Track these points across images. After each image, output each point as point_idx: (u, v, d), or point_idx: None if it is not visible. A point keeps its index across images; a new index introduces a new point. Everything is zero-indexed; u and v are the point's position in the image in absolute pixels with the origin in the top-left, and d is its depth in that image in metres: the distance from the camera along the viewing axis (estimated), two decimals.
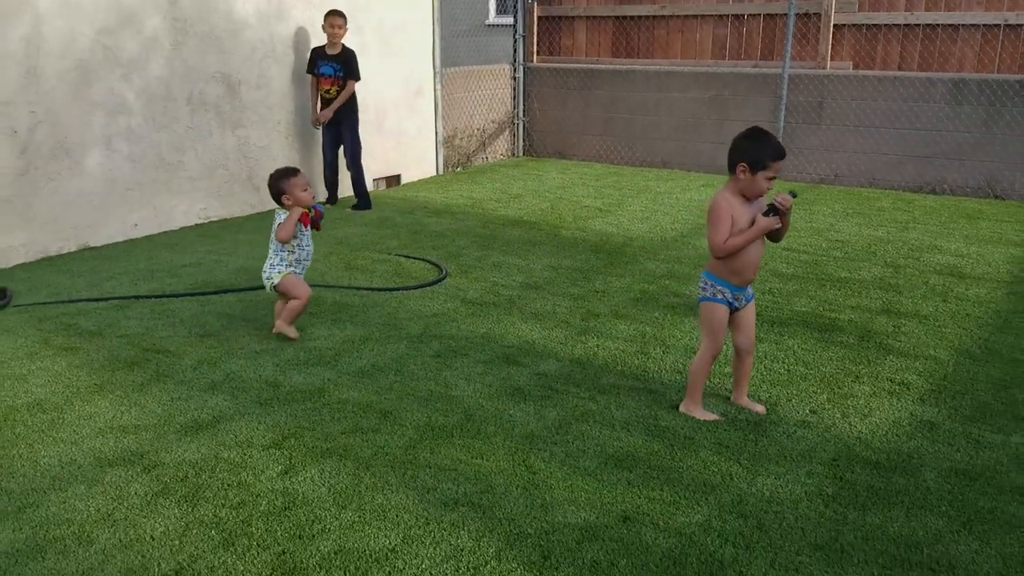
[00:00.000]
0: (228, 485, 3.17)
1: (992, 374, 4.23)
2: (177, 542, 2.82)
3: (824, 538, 2.88)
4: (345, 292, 5.52)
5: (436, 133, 9.92)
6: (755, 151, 3.43)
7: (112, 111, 6.66)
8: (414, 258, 6.38)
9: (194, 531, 2.88)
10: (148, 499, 3.08)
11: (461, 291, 5.56)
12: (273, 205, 4.63)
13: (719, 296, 3.63)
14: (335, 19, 7.82)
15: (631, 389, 4.06)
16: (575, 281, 5.80)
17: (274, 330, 4.68)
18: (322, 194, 8.34)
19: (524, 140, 11.42)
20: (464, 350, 4.55)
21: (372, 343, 4.63)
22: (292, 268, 4.63)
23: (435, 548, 2.81)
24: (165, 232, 7.10)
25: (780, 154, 3.44)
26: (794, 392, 4.03)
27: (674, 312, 5.18)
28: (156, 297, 5.39)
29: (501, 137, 11.27)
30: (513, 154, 11.46)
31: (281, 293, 4.65)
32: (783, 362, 4.39)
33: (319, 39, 8.05)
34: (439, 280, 5.79)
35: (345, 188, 8.40)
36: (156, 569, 2.68)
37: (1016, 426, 3.68)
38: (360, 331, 4.81)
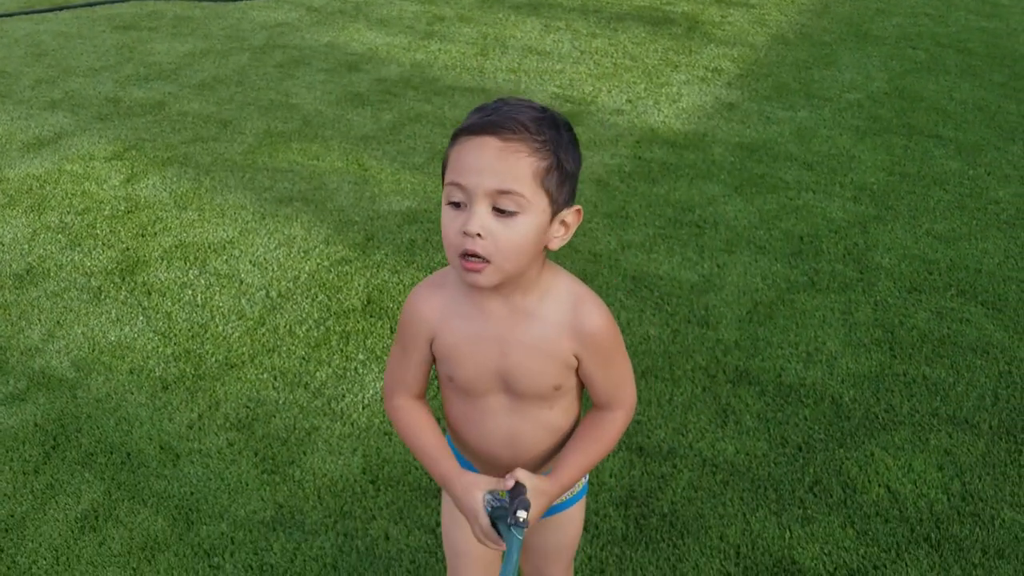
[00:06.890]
0: (72, 194, 3.37)
1: (799, 57, 4.58)
2: (26, 246, 3.07)
3: (615, 207, 3.30)
4: (186, 4, 5.39)
5: None
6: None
7: None
8: None
9: (42, 236, 3.12)
10: None
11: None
12: None
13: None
14: None
15: (466, 90, 4.28)
16: None
17: None
18: None
19: None
20: (307, 59, 4.63)
21: (214, 55, 4.66)
22: None
23: (269, 238, 3.13)
24: None
25: (461, 131, 1.14)
26: (615, 84, 4.31)
27: (518, 12, 5.28)
28: None
29: None
30: None
31: None
32: (611, 56, 4.63)
33: None
34: None
35: None
36: (8, 270, 2.94)
37: (806, 103, 4.09)
38: (201, 44, 4.81)
